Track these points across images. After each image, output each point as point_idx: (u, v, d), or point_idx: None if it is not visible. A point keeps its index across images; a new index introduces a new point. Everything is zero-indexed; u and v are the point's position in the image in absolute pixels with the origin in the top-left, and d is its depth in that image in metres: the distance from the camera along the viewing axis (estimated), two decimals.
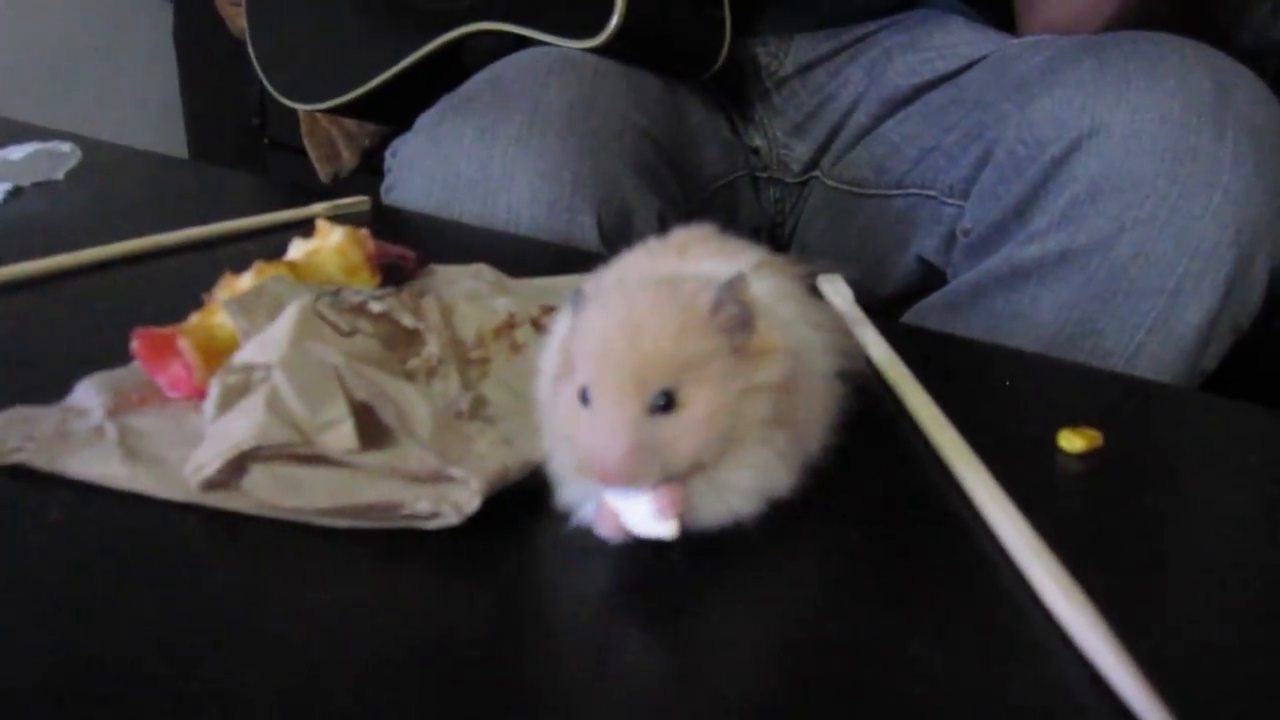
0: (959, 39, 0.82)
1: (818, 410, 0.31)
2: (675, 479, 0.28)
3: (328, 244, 0.41)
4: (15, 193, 0.63)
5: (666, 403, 0.28)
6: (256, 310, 0.34)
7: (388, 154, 0.81)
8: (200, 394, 0.35)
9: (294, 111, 1.52)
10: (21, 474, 0.32)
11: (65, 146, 0.67)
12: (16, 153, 0.65)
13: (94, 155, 0.69)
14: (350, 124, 1.31)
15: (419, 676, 0.26)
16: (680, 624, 0.28)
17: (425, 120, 0.75)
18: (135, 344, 0.36)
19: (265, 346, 0.32)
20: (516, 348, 0.39)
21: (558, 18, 0.81)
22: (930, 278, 0.76)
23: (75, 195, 0.65)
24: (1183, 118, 0.57)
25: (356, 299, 0.35)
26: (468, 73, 0.81)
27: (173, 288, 0.47)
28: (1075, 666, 0.26)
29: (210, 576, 0.29)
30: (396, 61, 0.93)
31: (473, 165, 0.69)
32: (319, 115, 1.33)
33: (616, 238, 0.68)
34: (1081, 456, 0.36)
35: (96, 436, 0.33)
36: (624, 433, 0.27)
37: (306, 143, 1.34)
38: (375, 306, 0.35)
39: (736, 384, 0.28)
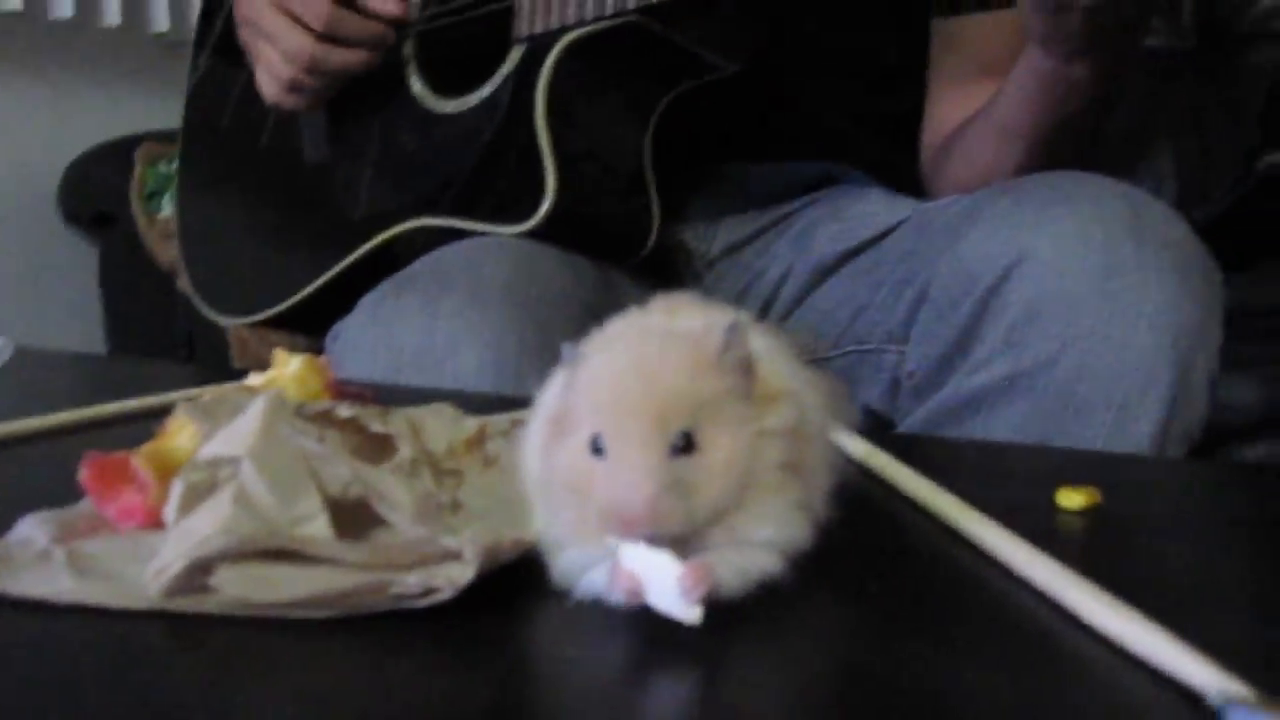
0: (878, 207, 0.86)
1: (822, 462, 0.30)
2: (697, 528, 0.26)
3: (286, 372, 0.39)
4: None
5: (686, 444, 0.26)
6: (219, 413, 0.32)
7: (328, 339, 0.81)
8: (155, 522, 0.33)
9: (222, 343, 1.51)
10: None
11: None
12: None
13: (24, 357, 0.67)
14: (282, 343, 1.30)
15: None
16: (703, 693, 0.26)
17: (367, 300, 0.76)
18: (83, 472, 0.34)
19: (232, 438, 0.30)
20: (489, 461, 0.37)
21: (490, 207, 0.83)
22: (878, 429, 0.76)
23: (4, 388, 0.62)
24: (1103, 237, 0.59)
25: (322, 407, 0.34)
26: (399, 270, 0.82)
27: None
28: (1129, 676, 0.25)
29: (178, 686, 0.26)
30: (331, 266, 0.94)
31: (417, 337, 0.69)
32: (249, 338, 1.32)
33: None
34: (1081, 513, 0.35)
35: (42, 560, 0.30)
36: (648, 475, 0.26)
37: (238, 366, 1.33)
38: (343, 412, 0.34)
39: (750, 427, 0.27)
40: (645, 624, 0.27)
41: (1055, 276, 0.60)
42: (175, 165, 1.49)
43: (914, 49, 0.91)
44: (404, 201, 0.89)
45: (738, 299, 0.90)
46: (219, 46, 1.09)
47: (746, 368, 0.28)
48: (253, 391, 0.37)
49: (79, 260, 1.68)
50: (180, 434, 0.35)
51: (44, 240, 1.66)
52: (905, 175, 0.91)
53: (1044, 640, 0.27)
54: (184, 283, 1.47)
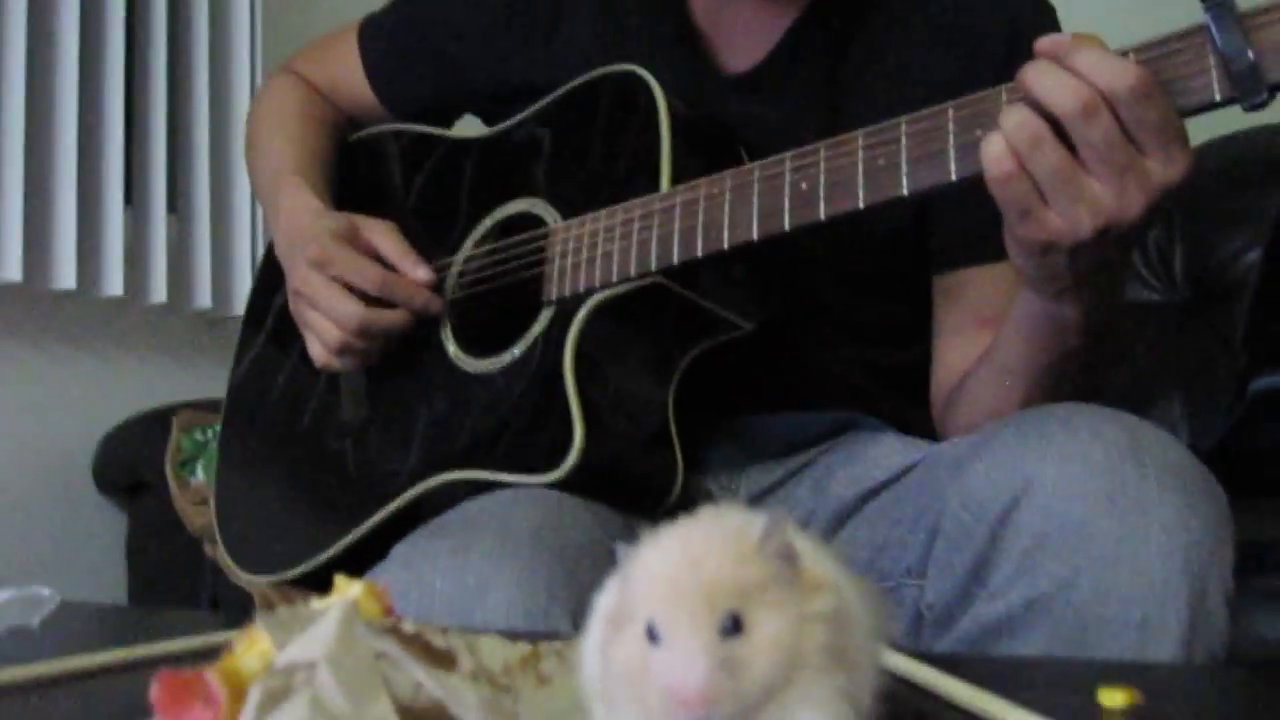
0: (892, 449, 0.90)
1: (866, 655, 0.32)
2: (749, 706, 0.29)
3: (347, 596, 0.42)
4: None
5: (735, 626, 0.29)
6: (293, 626, 0.35)
7: None
8: None
9: (246, 605, 1.52)
10: None
11: (45, 591, 0.68)
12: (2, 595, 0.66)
13: (68, 608, 0.69)
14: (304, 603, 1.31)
15: None
16: None
17: (399, 548, 0.78)
18: (154, 689, 0.36)
19: (308, 645, 0.33)
20: (543, 680, 0.40)
21: (518, 460, 0.87)
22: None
23: (49, 641, 0.64)
24: (1105, 462, 0.63)
25: (388, 623, 0.37)
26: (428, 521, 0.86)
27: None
28: None
29: None
30: (363, 522, 0.97)
31: (447, 581, 0.71)
32: (273, 597, 1.33)
33: None
34: (1125, 713, 0.37)
35: None
36: (701, 656, 0.28)
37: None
38: (407, 627, 0.36)
39: (794, 610, 0.30)
40: None
41: (1062, 502, 0.63)
42: (210, 433, 1.56)
43: (918, 304, 0.97)
44: (436, 457, 0.93)
45: None
46: (258, 318, 1.16)
47: (788, 556, 0.31)
48: (321, 610, 0.40)
49: (108, 523, 1.72)
50: (249, 653, 0.38)
51: (75, 505, 1.70)
52: (918, 423, 0.96)
53: None
54: (213, 550, 1.51)
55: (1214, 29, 0.61)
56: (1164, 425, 1.36)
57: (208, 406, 1.67)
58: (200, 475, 1.50)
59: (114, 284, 1.67)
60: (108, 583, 1.67)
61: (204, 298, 1.79)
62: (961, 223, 0.91)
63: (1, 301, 1.62)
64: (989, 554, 0.66)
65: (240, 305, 1.83)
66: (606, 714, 0.31)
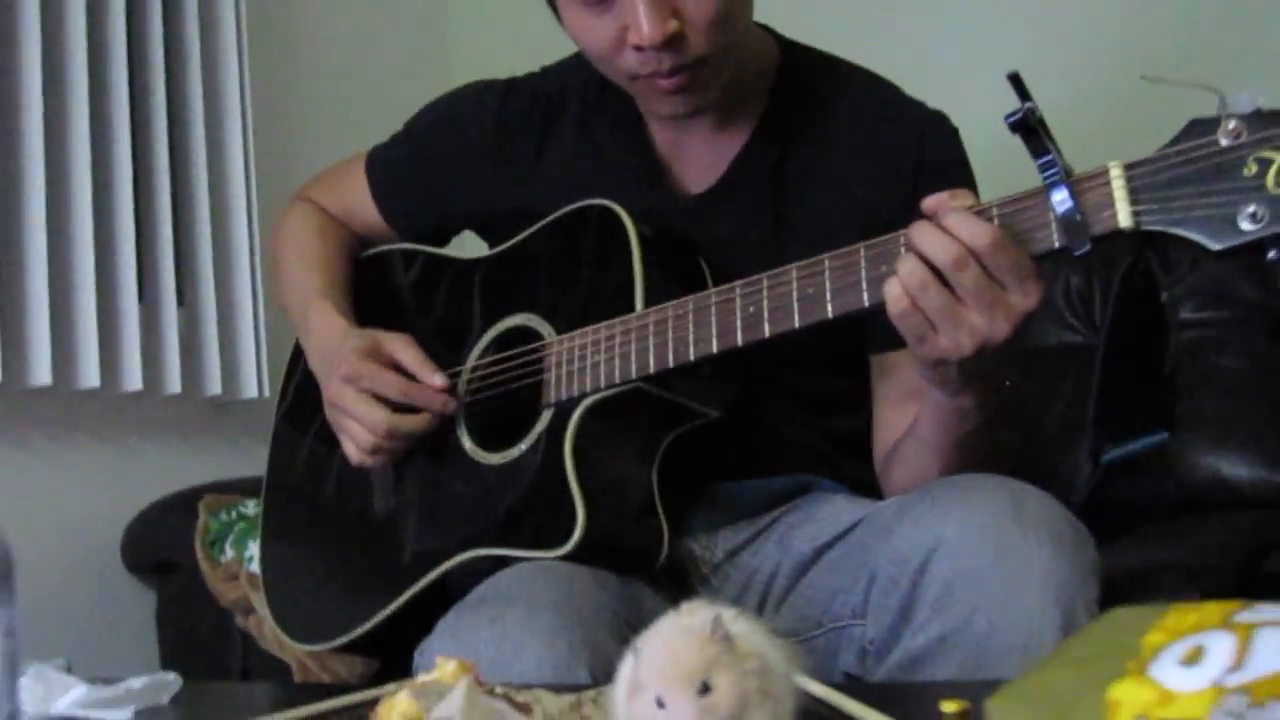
0: (840, 509, 1.12)
1: (787, 694, 0.54)
2: None
3: (447, 669, 0.63)
4: (138, 714, 0.83)
5: (705, 689, 0.51)
6: (430, 695, 0.56)
7: (416, 654, 1.03)
8: None
9: (276, 669, 1.73)
10: None
11: (170, 676, 0.89)
12: (137, 683, 0.87)
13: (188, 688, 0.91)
14: (340, 668, 1.53)
15: None
16: None
17: (444, 622, 0.99)
18: None
19: (449, 705, 0.54)
20: (585, 718, 0.61)
21: (530, 538, 1.08)
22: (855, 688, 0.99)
23: (180, 713, 0.86)
24: (994, 525, 0.85)
25: (488, 686, 0.58)
26: (453, 597, 1.07)
27: None
28: None
29: None
30: (399, 596, 1.18)
31: (489, 647, 0.92)
32: (310, 664, 1.54)
33: (606, 682, 0.90)
34: (957, 715, 0.59)
35: None
36: (691, 710, 0.50)
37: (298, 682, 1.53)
38: (499, 690, 0.58)
39: (737, 672, 0.52)
40: None
41: (963, 558, 0.85)
42: (235, 513, 1.76)
43: (859, 379, 1.20)
44: (459, 538, 1.14)
45: (740, 594, 1.14)
46: (294, 415, 1.38)
47: (727, 638, 0.52)
48: (442, 680, 0.61)
49: (138, 601, 1.91)
50: (391, 713, 0.59)
51: (107, 584, 1.89)
52: (862, 480, 1.18)
53: None
54: (245, 621, 1.71)
55: (1051, 193, 0.84)
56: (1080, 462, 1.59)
57: (227, 488, 1.88)
58: (229, 553, 1.71)
59: (134, 380, 1.87)
60: (140, 656, 1.86)
61: (214, 385, 1.99)
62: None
63: (34, 403, 1.81)
64: (911, 598, 0.89)
65: (247, 390, 2.04)
66: None
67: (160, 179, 1.98)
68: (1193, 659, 0.36)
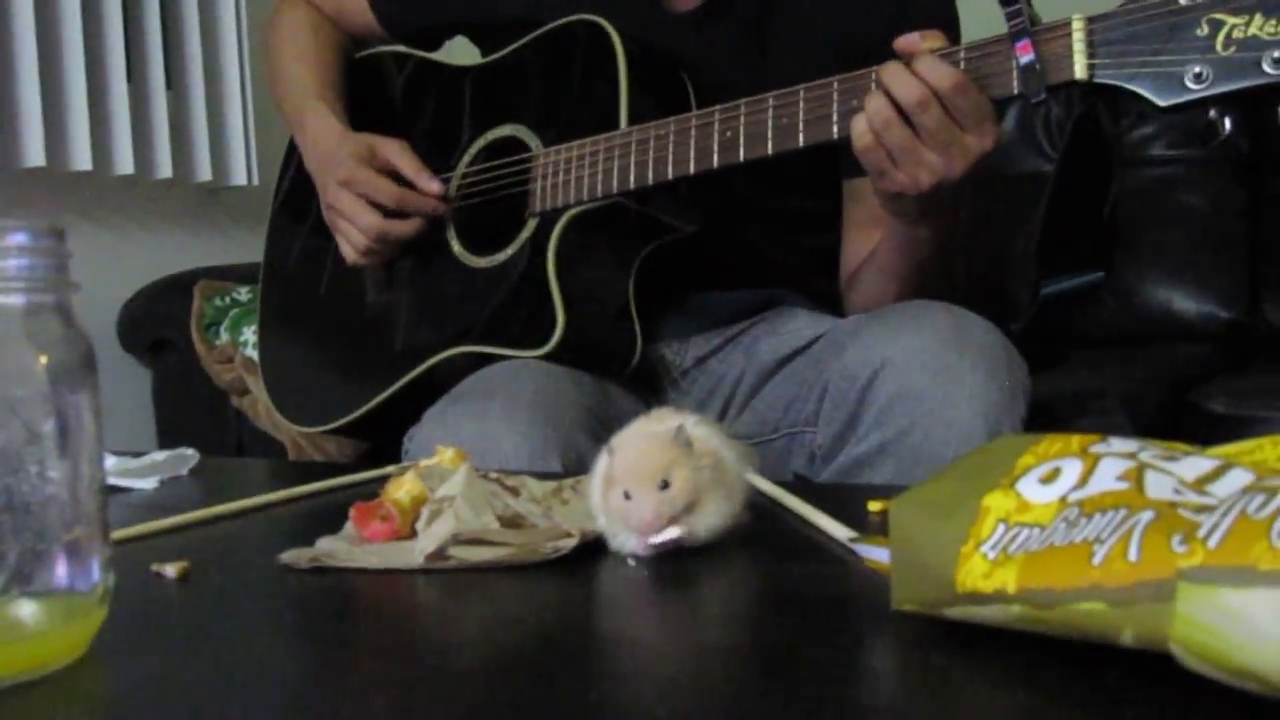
0: (804, 324, 1.21)
1: (738, 486, 0.65)
2: (676, 517, 0.61)
3: (445, 456, 0.73)
4: (163, 483, 0.94)
5: (665, 485, 0.61)
6: (433, 477, 0.66)
7: (405, 439, 1.14)
8: (390, 537, 0.67)
9: (268, 447, 1.85)
10: (322, 570, 0.63)
11: (189, 451, 0.99)
12: (160, 455, 0.97)
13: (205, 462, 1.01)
14: (331, 448, 1.64)
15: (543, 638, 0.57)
16: (676, 595, 0.60)
17: (432, 411, 1.09)
18: (352, 511, 0.68)
19: (450, 486, 0.64)
20: (565, 501, 0.72)
21: (513, 337, 1.18)
22: (804, 487, 1.11)
23: (198, 483, 0.96)
24: (934, 348, 0.95)
25: (482, 470, 0.68)
26: (439, 389, 1.16)
27: (306, 516, 0.79)
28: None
29: (433, 604, 0.60)
30: (391, 385, 1.28)
31: (472, 435, 1.03)
32: (304, 444, 1.66)
33: (575, 471, 1.01)
34: (879, 513, 0.70)
35: (346, 551, 0.64)
36: (650, 504, 0.60)
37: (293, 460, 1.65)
38: (493, 474, 0.68)
39: (691, 469, 0.61)
40: (652, 564, 0.61)
41: (905, 376, 0.95)
42: (229, 299, 1.85)
43: (831, 201, 1.27)
44: (446, 334, 1.24)
45: (706, 398, 1.24)
46: (290, 210, 1.44)
47: (687, 442, 0.62)
48: (442, 464, 0.71)
49: (133, 378, 2.01)
50: (399, 490, 0.69)
51: (103, 363, 1.99)
52: (828, 295, 1.27)
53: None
54: (240, 400, 1.81)
55: (1015, 42, 0.90)
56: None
57: (220, 274, 1.96)
58: (225, 337, 1.80)
59: (125, 164, 1.91)
60: (138, 431, 1.98)
61: (204, 171, 2.04)
62: None
63: (27, 184, 1.86)
64: (857, 411, 0.99)
65: (236, 176, 2.09)
66: (605, 522, 0.63)
67: None
68: (1049, 479, 0.45)
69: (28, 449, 0.49)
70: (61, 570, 0.48)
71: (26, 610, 0.47)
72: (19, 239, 0.49)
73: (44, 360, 0.49)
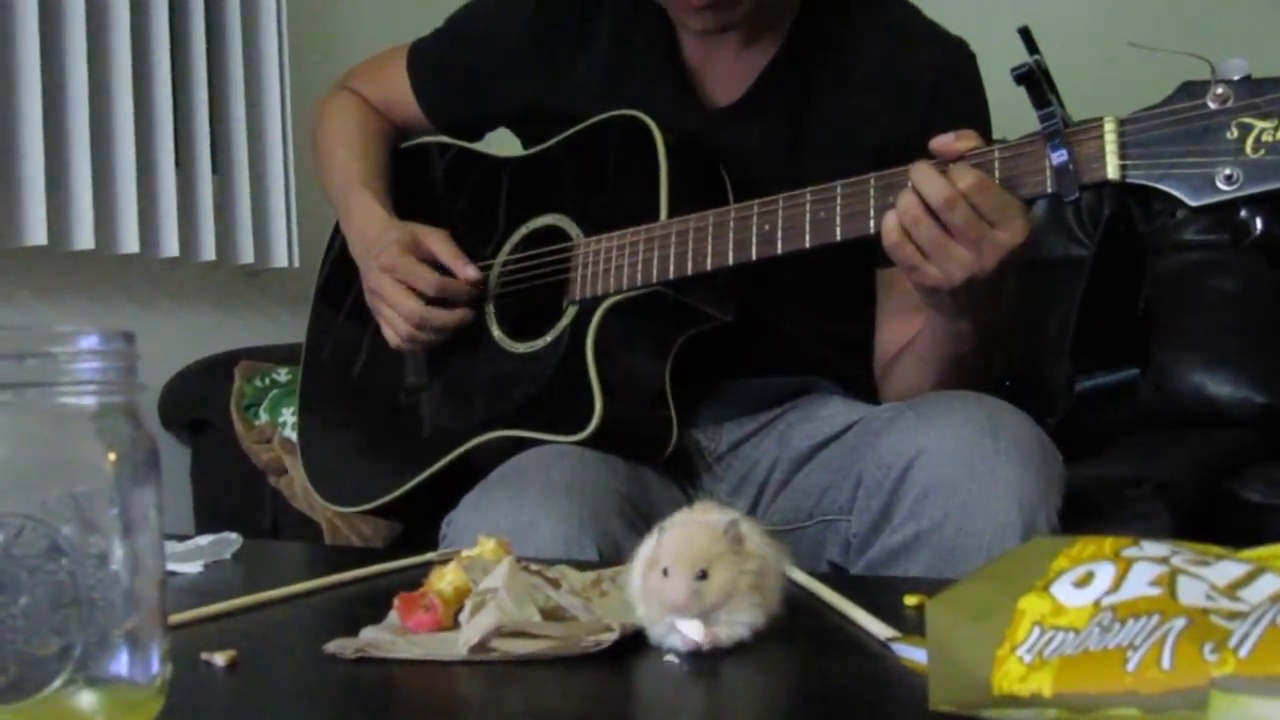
0: (838, 410, 1.23)
1: (776, 586, 0.66)
2: (708, 615, 0.62)
3: (486, 546, 0.75)
4: (207, 567, 0.96)
5: (703, 575, 0.62)
6: (476, 569, 0.68)
7: (443, 524, 1.16)
8: (434, 628, 0.68)
9: (304, 528, 1.87)
10: (367, 660, 0.65)
11: (232, 536, 1.02)
12: (204, 540, 0.99)
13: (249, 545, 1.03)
14: (367, 529, 1.66)
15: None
16: (713, 691, 0.61)
17: (469, 498, 1.11)
18: (397, 601, 0.70)
19: (493, 579, 0.66)
20: (604, 593, 0.74)
21: (550, 422, 1.20)
22: (837, 575, 1.12)
23: (241, 567, 0.98)
24: (970, 439, 0.96)
25: (524, 562, 0.70)
26: (476, 472, 1.19)
27: (349, 602, 0.81)
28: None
29: (476, 691, 0.61)
30: (428, 468, 1.30)
31: (508, 521, 1.04)
32: (339, 524, 1.68)
33: (610, 556, 1.02)
34: (915, 608, 0.71)
35: (390, 642, 0.66)
36: (684, 586, 0.61)
37: (329, 543, 1.67)
38: (533, 567, 0.70)
39: (735, 568, 0.63)
40: (684, 658, 0.63)
41: (940, 467, 0.97)
42: (269, 380, 1.88)
43: (865, 289, 1.30)
44: (484, 418, 1.26)
45: (740, 484, 1.26)
46: (332, 294, 1.48)
47: (738, 539, 0.64)
48: (484, 555, 0.73)
49: (172, 457, 2.05)
50: (443, 580, 0.71)
51: None
52: (862, 383, 1.29)
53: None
54: (278, 481, 1.84)
55: (1048, 143, 0.93)
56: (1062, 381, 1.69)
57: (260, 355, 2.00)
58: (264, 417, 1.83)
59: (171, 246, 1.97)
60: (176, 508, 2.01)
61: (247, 254, 2.09)
62: None
63: (76, 266, 1.92)
64: (892, 501, 1.00)
65: (278, 259, 2.14)
66: (643, 608, 0.65)
67: (196, 45, 2.05)
68: (1084, 582, 0.47)
69: (91, 541, 0.51)
70: (123, 661, 0.50)
71: (87, 700, 0.49)
72: (91, 343, 0.51)
73: (112, 458, 0.52)
